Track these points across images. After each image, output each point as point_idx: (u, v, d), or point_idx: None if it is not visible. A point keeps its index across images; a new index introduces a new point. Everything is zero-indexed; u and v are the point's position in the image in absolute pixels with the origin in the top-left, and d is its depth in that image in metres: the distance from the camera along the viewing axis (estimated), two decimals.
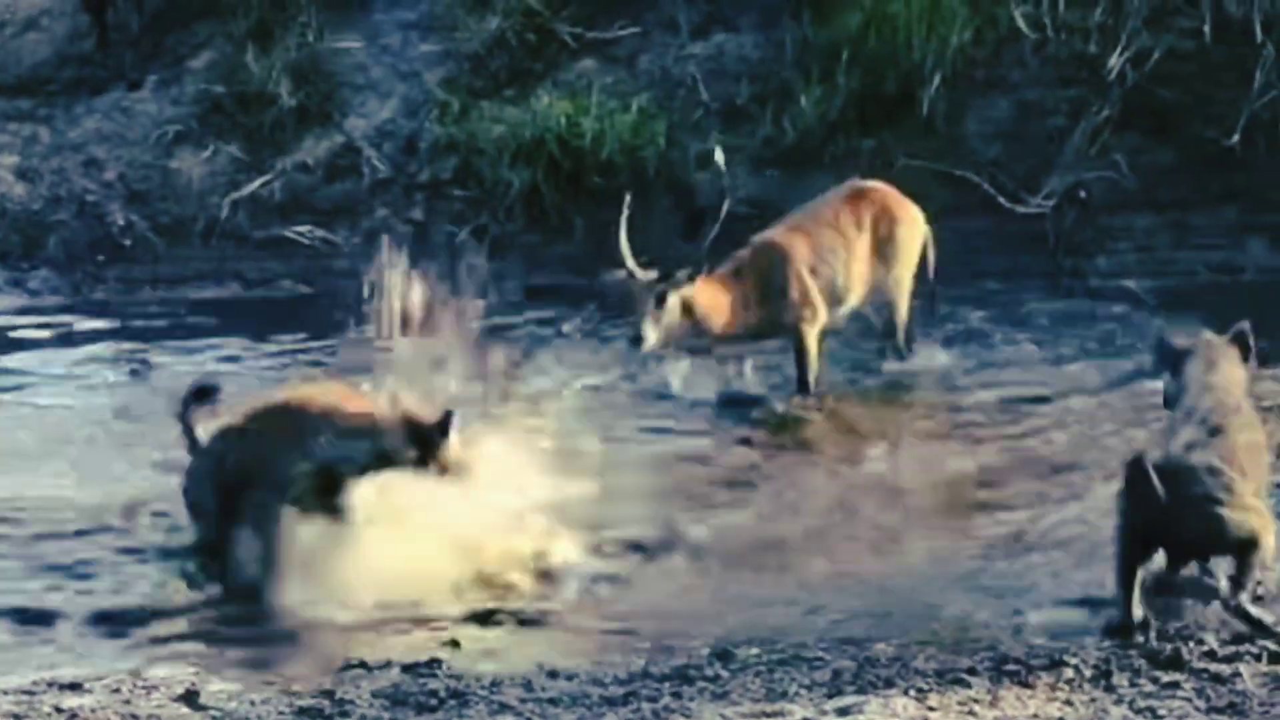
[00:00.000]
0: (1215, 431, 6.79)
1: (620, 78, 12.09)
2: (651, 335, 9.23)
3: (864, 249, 9.68)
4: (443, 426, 7.43)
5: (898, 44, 11.60)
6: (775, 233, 9.65)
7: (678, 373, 9.67)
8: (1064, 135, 11.49)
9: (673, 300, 9.24)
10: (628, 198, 9.43)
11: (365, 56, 12.46)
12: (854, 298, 9.71)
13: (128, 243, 11.84)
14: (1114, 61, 11.53)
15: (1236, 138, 11.30)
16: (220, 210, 11.92)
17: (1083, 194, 11.36)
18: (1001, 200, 11.38)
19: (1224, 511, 6.65)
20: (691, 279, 9.28)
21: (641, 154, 11.48)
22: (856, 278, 9.68)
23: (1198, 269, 11.23)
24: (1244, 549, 6.70)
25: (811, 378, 9.60)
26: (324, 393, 7.78)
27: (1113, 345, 10.11)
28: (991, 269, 11.12)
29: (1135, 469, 6.60)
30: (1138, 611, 6.70)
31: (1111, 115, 11.45)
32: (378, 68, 12.45)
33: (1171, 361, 7.19)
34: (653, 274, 9.27)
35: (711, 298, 9.39)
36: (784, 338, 9.66)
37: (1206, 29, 11.54)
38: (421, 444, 7.44)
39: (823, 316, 9.63)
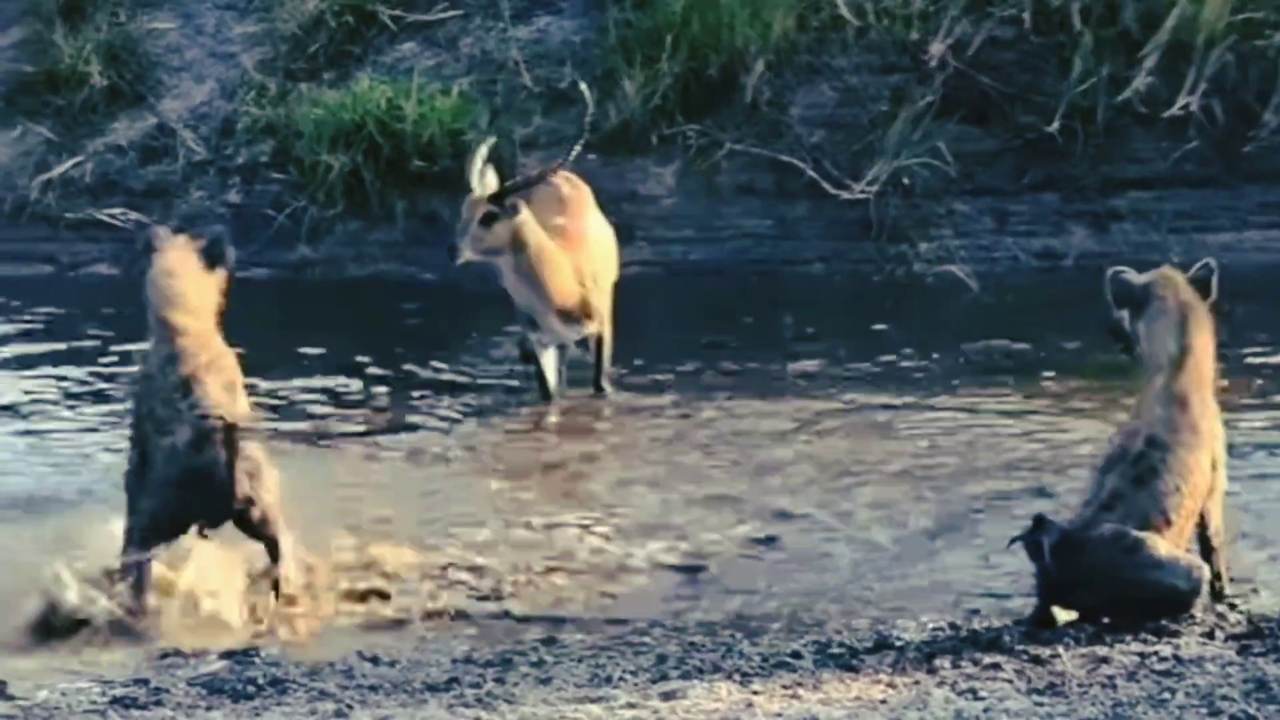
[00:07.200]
0: None
1: (442, 60, 11.97)
2: (467, 251, 8.94)
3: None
4: None
5: (721, 29, 11.57)
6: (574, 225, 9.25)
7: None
8: (886, 121, 11.52)
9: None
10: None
11: (180, 37, 12.25)
12: None
13: None
14: (935, 49, 11.58)
15: (1056, 125, 11.39)
16: (29, 191, 11.67)
17: (905, 180, 11.40)
18: (826, 186, 11.39)
19: None
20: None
21: (464, 138, 11.36)
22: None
23: (1019, 255, 11.31)
24: None
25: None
26: None
27: None
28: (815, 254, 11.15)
29: None
30: None
31: (933, 102, 11.50)
32: (193, 49, 12.24)
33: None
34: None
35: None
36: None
37: (1026, 17, 11.62)
38: None
39: None
